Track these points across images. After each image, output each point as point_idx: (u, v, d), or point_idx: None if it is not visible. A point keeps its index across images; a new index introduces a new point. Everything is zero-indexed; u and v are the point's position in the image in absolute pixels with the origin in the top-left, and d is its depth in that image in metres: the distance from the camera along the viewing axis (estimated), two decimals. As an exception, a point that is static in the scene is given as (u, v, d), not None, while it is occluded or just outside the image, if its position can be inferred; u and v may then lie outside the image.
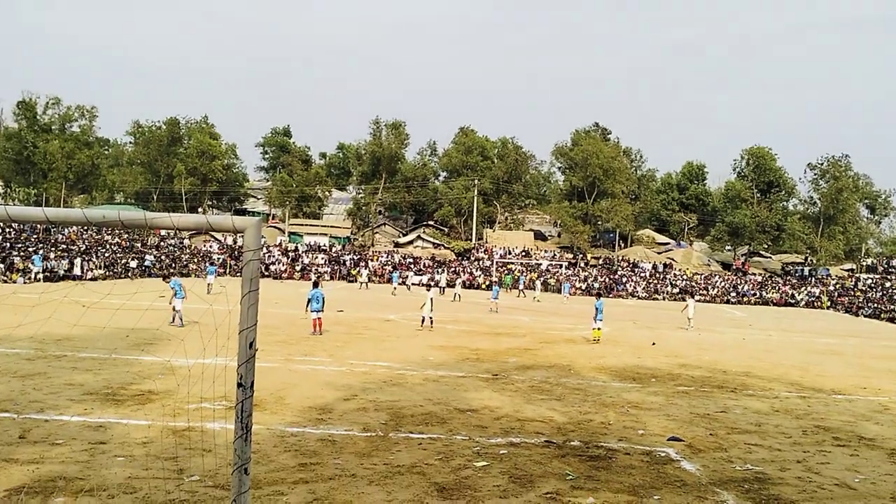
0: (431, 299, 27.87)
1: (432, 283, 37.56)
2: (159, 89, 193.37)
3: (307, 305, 24.35)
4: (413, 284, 60.04)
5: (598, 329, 25.89)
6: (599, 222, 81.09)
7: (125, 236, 61.73)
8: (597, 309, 25.88)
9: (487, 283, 63.77)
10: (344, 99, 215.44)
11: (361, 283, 57.32)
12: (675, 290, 67.59)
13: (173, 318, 23.55)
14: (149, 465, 8.83)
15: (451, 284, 56.36)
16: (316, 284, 25.85)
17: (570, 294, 59.21)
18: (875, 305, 58.64)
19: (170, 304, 23.78)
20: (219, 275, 58.87)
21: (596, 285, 66.18)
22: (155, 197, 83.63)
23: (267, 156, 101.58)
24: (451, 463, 9.82)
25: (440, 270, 65.44)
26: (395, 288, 53.13)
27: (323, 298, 24.13)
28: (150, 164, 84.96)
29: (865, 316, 56.70)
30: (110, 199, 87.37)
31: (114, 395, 12.87)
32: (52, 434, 10.13)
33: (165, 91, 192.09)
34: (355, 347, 21.31)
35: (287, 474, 8.92)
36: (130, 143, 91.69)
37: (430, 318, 27.58)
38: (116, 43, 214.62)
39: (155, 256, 56.54)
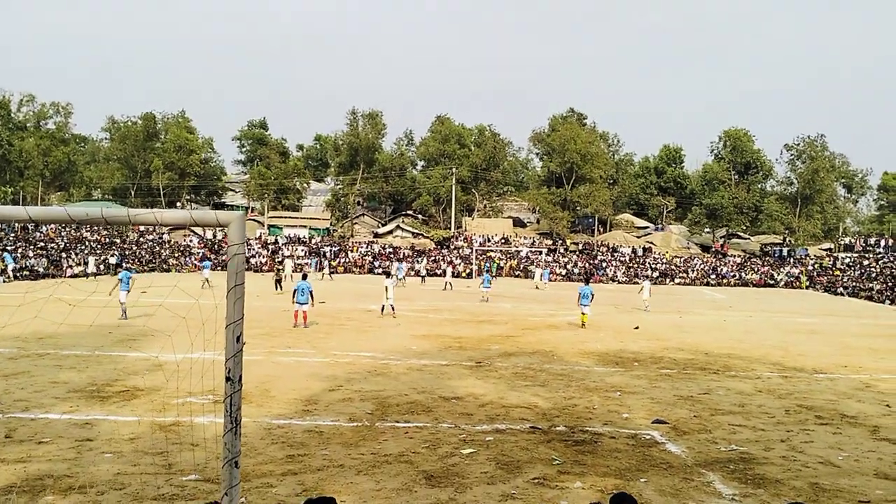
0: (387, 287, 28.28)
1: (390, 272, 37.52)
2: (134, 84, 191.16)
3: (293, 297, 24.37)
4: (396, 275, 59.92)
5: (585, 314, 26.27)
6: (578, 208, 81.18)
7: (104, 233, 61.15)
8: (580, 294, 26.43)
9: (468, 271, 63.79)
10: (320, 90, 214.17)
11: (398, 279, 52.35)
12: (656, 274, 67.99)
13: (123, 313, 23.55)
14: (137, 461, 8.83)
15: (430, 274, 56.32)
16: (304, 277, 25.88)
17: (549, 280, 59.11)
18: (853, 284, 59.30)
19: (111, 295, 23.51)
20: (198, 269, 58.61)
21: (576, 271, 66.47)
22: (133, 192, 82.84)
23: (244, 149, 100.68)
24: (438, 451, 9.88)
25: (419, 260, 65.37)
26: (401, 279, 52.13)
27: (310, 291, 24.05)
28: (126, 159, 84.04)
29: (844, 295, 57.37)
30: (88, 196, 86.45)
31: (99, 392, 12.83)
32: (38, 433, 10.09)
33: (140, 86, 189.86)
34: (338, 338, 21.32)
35: (275, 466, 8.95)
36: (106, 139, 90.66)
37: (391, 305, 28.08)
38: (89, 38, 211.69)
39: (120, 253, 55.73)
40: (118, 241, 61.75)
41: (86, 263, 49.45)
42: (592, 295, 26.75)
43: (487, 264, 64.53)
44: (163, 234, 68.87)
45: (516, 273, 66.33)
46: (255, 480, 8.36)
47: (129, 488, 7.93)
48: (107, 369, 14.92)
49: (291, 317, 23.96)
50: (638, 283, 45.92)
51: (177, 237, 70.80)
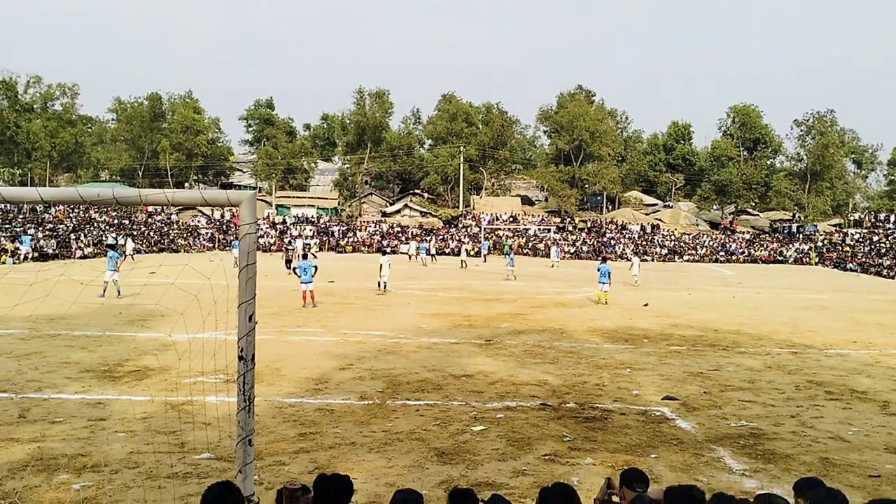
0: (383, 265, 28.79)
1: (387, 250, 37.89)
2: (140, 64, 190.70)
3: (294, 272, 24.89)
4: (402, 254, 60.05)
5: (606, 291, 27.11)
6: (586, 185, 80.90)
7: (113, 214, 61.33)
8: (599, 272, 27.42)
9: (476, 249, 63.72)
10: (326, 69, 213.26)
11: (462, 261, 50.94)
12: (664, 252, 67.90)
13: (103, 291, 23.75)
14: (150, 440, 8.89)
15: (439, 252, 56.61)
16: (305, 256, 25.97)
17: (563, 258, 59.26)
18: (863, 260, 59.09)
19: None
20: (208, 249, 58.83)
21: (585, 248, 66.38)
22: (140, 173, 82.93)
23: (251, 129, 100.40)
24: (449, 428, 9.93)
25: (427, 238, 65.40)
26: (423, 259, 52.40)
27: (313, 269, 24.11)
28: (133, 140, 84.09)
29: (853, 270, 57.15)
30: (95, 177, 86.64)
31: (111, 371, 12.92)
32: (51, 412, 10.18)
33: (146, 66, 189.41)
34: (348, 317, 21.38)
35: (287, 444, 9.01)
36: (113, 120, 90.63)
37: (385, 282, 28.69)
38: (94, 18, 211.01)
39: (114, 235, 55.81)
40: (126, 221, 61.93)
41: (123, 246, 49.13)
42: (610, 273, 27.38)
43: (510, 242, 64.82)
44: (171, 214, 69.03)
45: (525, 251, 66.24)
46: (268, 459, 8.41)
47: (142, 467, 8.00)
48: (118, 349, 15.01)
49: (299, 297, 23.99)
50: (628, 261, 45.87)
51: (185, 217, 70.98)
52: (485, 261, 51.36)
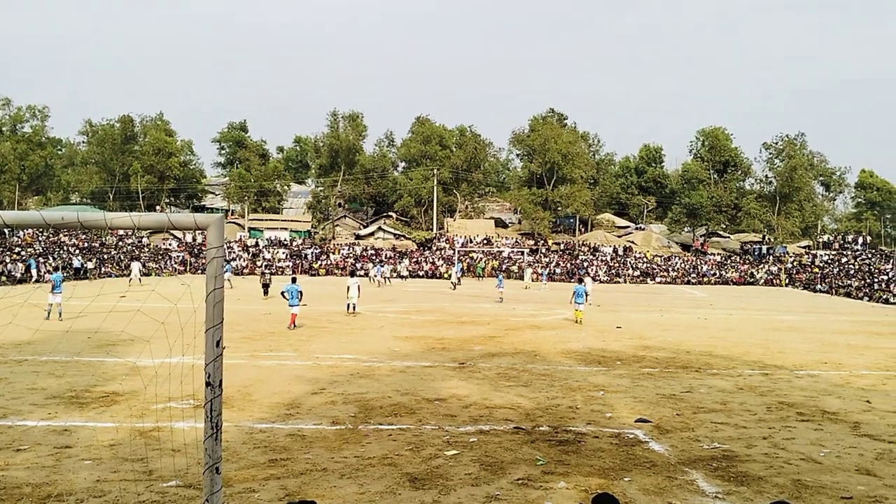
0: (350, 286, 29.38)
1: (357, 272, 38.36)
2: (111, 87, 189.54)
3: (282, 295, 25.12)
4: (374, 277, 59.84)
5: (580, 311, 27.87)
6: (559, 208, 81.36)
7: (83, 237, 60.61)
8: (574, 293, 28.08)
9: (449, 273, 63.67)
10: (299, 92, 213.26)
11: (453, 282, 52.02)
12: (637, 274, 68.36)
13: (48, 314, 23.84)
14: (117, 468, 8.71)
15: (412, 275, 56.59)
16: (294, 280, 26.11)
17: (534, 279, 59.52)
18: (832, 281, 59.90)
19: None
20: (179, 273, 58.24)
21: (558, 271, 66.69)
22: (111, 196, 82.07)
23: (224, 151, 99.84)
24: (422, 453, 9.84)
25: (400, 261, 65.40)
26: (379, 280, 52.49)
27: (299, 293, 24.51)
28: (104, 163, 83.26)
29: (823, 292, 57.90)
30: (65, 200, 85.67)
31: (78, 398, 12.67)
32: (16, 440, 9.95)
33: (117, 88, 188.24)
34: (320, 341, 21.21)
35: (258, 471, 8.87)
36: (84, 142, 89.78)
37: (354, 304, 29.17)
38: (64, 40, 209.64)
39: (84, 257, 55.24)
40: (97, 244, 61.21)
41: (129, 269, 51.25)
42: (587, 294, 28.17)
43: (482, 265, 65.39)
44: (142, 237, 68.34)
45: (498, 273, 66.31)
46: (238, 486, 8.27)
47: (108, 495, 7.83)
48: (85, 375, 14.75)
49: (273, 321, 23.83)
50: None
51: (156, 240, 70.29)
52: (459, 283, 50.83)
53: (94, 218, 4.86)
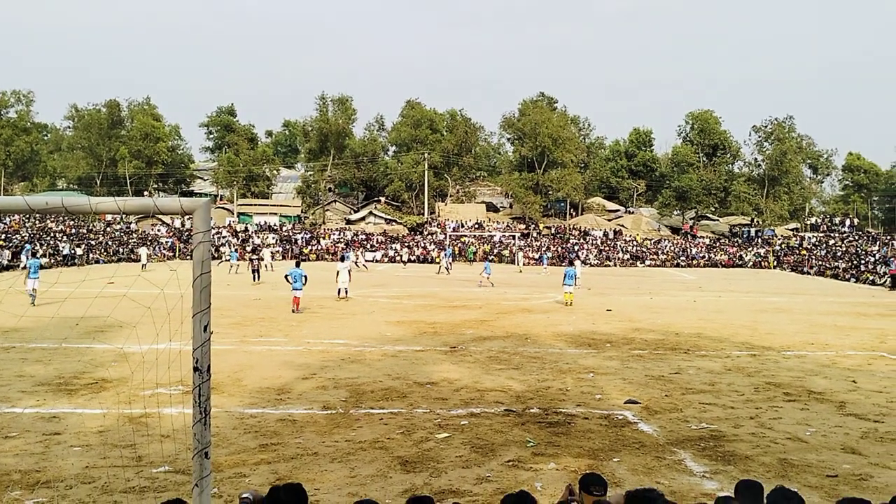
0: (339, 272, 29.39)
1: (346, 257, 38.38)
2: (96, 71, 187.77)
3: (286, 280, 25.38)
4: (367, 262, 59.85)
5: (570, 293, 28.29)
6: (550, 192, 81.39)
7: (70, 223, 60.28)
8: (565, 275, 28.57)
9: (439, 258, 63.83)
10: (288, 75, 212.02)
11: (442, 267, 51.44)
12: (627, 257, 68.56)
13: (33, 300, 24.17)
14: (106, 454, 8.70)
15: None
16: (298, 264, 26.24)
17: (525, 264, 59.83)
18: (819, 263, 60.16)
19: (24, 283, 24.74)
20: (168, 258, 58.07)
21: (549, 255, 66.82)
22: (98, 182, 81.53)
23: (212, 136, 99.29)
24: (413, 436, 9.87)
25: (389, 246, 65.39)
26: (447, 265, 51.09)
27: (304, 277, 24.82)
28: (91, 148, 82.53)
29: (810, 274, 58.18)
30: (52, 186, 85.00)
31: (66, 384, 12.64)
32: (4, 427, 9.92)
33: (103, 72, 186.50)
34: (311, 326, 21.20)
35: (248, 456, 8.88)
36: (70, 127, 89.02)
37: (346, 289, 29.15)
38: (48, 22, 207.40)
39: (72, 243, 55.10)
40: (84, 230, 60.92)
41: (138, 254, 52.87)
42: (576, 276, 28.54)
43: (473, 249, 65.68)
44: (130, 223, 68.00)
45: (490, 258, 66.44)
46: (228, 471, 8.28)
47: (98, 482, 7.82)
48: (73, 362, 14.71)
49: (263, 306, 23.82)
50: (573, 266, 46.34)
51: (144, 226, 69.98)
52: (448, 271, 50.12)
53: (78, 203, 4.82)
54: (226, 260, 52.02)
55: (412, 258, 64.78)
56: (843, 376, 14.71)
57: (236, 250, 56.89)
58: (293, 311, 24.05)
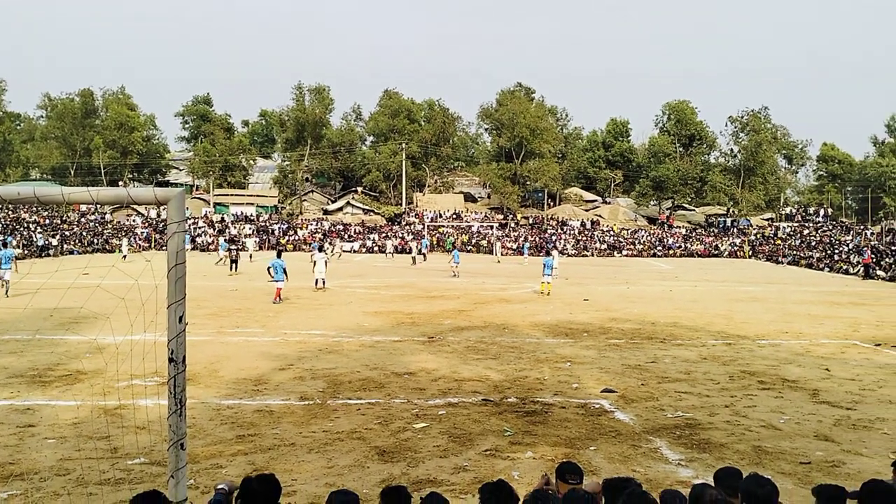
0: (315, 262, 29.61)
1: (323, 247, 38.56)
2: (70, 59, 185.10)
3: (268, 272, 25.77)
4: (344, 252, 59.68)
5: (548, 283, 28.42)
6: (528, 182, 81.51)
7: (44, 214, 59.53)
8: (544, 265, 28.81)
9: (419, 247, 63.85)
10: (265, 64, 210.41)
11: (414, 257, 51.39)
12: (604, 247, 68.88)
13: (6, 291, 24.21)
14: (81, 446, 8.63)
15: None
16: (279, 255, 26.21)
17: (503, 254, 59.96)
18: (794, 253, 60.80)
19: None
20: (143, 249, 57.57)
21: (527, 245, 67.00)
22: (72, 172, 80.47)
23: (188, 125, 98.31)
24: (391, 426, 9.87)
25: (367, 236, 65.23)
26: (419, 256, 51.40)
27: (283, 269, 24.86)
28: (65, 138, 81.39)
29: (785, 263, 58.76)
30: (25, 176, 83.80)
31: (40, 376, 12.50)
32: (-24, 420, 9.80)
33: (77, 61, 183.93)
34: (288, 317, 21.12)
35: (225, 447, 8.84)
36: (43, 117, 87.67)
37: (323, 279, 29.27)
38: (18, 8, 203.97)
39: (46, 234, 54.54)
40: (58, 221, 60.19)
41: (120, 245, 53.01)
42: (553, 267, 29.07)
43: (452, 239, 65.70)
44: (105, 213, 67.27)
45: (468, 248, 66.55)
46: (205, 462, 8.24)
47: (73, 474, 7.76)
48: (47, 353, 14.55)
49: (240, 297, 23.71)
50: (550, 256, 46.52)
51: (120, 217, 69.27)
52: (424, 259, 50.29)
53: (51, 193, 4.77)
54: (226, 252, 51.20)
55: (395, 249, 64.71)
56: (816, 364, 14.89)
57: (227, 241, 55.96)
58: (273, 302, 24.01)
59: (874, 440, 9.61)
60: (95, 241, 58.71)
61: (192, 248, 60.27)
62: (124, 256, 45.65)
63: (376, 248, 64.68)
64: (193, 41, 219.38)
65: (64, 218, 61.82)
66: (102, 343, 13.90)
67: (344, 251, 58.81)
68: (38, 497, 7.14)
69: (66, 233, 57.64)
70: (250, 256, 47.36)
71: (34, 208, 58.22)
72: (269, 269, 25.57)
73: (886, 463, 6.26)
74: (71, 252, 53.55)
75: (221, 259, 44.16)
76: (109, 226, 64.80)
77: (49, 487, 7.38)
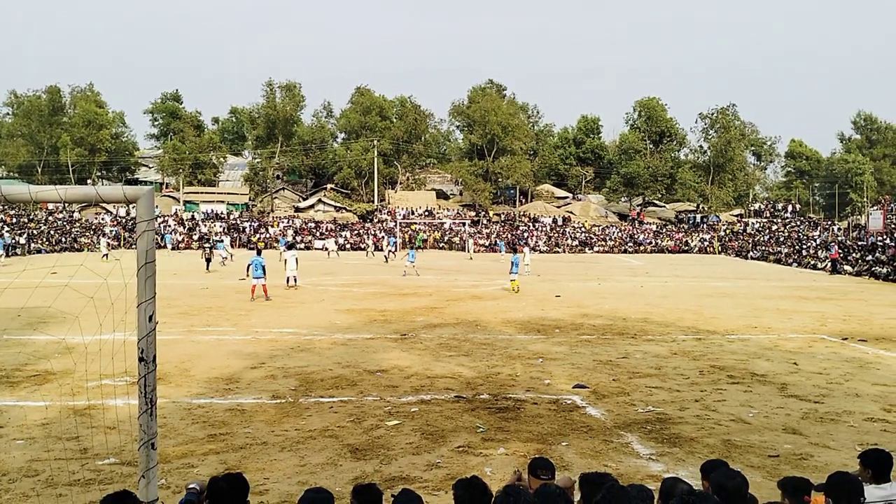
0: (287, 260, 29.24)
1: (294, 245, 38.42)
2: (37, 56, 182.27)
3: (247, 270, 25.64)
4: (317, 249, 59.42)
5: (515, 280, 28.31)
6: (500, 179, 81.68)
7: (10, 212, 58.59)
8: (512, 263, 28.79)
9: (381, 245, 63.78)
10: (234, 61, 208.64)
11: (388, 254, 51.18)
12: (575, 243, 69.27)
13: None
14: (50, 447, 8.54)
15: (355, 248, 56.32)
16: (259, 252, 26.17)
17: (475, 251, 60.12)
18: (762, 248, 61.54)
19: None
20: (112, 248, 56.90)
21: (500, 242, 67.20)
22: (39, 170, 79.23)
23: (157, 123, 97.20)
24: (363, 424, 9.88)
25: (328, 236, 65.00)
26: (389, 254, 50.91)
27: (263, 266, 24.79)
28: (31, 135, 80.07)
29: (754, 258, 59.48)
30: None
31: (8, 377, 12.34)
32: (-59, 422, 9.65)
33: (44, 58, 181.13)
34: (259, 315, 21.01)
35: (196, 446, 8.79)
36: (8, 114, 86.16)
37: (294, 277, 28.94)
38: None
39: (13, 233, 53.82)
40: (26, 220, 59.29)
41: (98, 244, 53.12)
42: (519, 264, 29.08)
43: (423, 236, 65.66)
44: (73, 212, 66.35)
45: (441, 245, 66.61)
46: (176, 461, 8.20)
47: (42, 475, 7.68)
48: (14, 353, 14.36)
49: (210, 295, 23.53)
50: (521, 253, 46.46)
51: (88, 215, 68.36)
52: (394, 256, 49.74)
53: (17, 192, 4.71)
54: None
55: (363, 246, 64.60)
56: (784, 359, 15.12)
57: (222, 241, 55.42)
58: (253, 300, 24.14)
59: (841, 433, 9.79)
60: (64, 239, 57.92)
61: (173, 249, 59.87)
62: (105, 255, 44.85)
63: (350, 247, 64.48)
64: (162, 37, 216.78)
65: (31, 216, 60.89)
66: (71, 343, 13.74)
67: (328, 248, 58.29)
68: (6, 499, 7.06)
69: (34, 231, 56.81)
70: (231, 256, 46.65)
71: (1, 207, 57.26)
72: (248, 266, 25.48)
73: (853, 455, 6.37)
74: (39, 251, 52.81)
75: (222, 260, 43.60)
76: (78, 224, 63.91)
77: (18, 489, 7.29)
